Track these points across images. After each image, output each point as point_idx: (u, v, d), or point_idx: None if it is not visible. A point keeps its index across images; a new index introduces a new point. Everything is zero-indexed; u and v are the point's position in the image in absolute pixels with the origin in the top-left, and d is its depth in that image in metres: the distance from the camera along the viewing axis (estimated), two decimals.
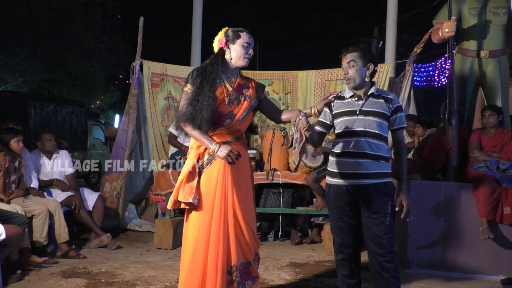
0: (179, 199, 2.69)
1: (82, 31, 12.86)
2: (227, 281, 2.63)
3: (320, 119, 2.81)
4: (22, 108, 9.95)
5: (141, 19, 5.86)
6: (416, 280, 3.75)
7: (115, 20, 13.98)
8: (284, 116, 2.90)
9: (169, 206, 2.80)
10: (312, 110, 2.81)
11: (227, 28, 2.80)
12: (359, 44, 2.71)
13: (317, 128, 2.81)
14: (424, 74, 12.39)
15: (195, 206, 2.67)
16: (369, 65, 2.67)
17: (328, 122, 2.77)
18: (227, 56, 2.75)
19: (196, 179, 2.68)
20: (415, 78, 11.00)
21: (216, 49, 2.79)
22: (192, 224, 2.70)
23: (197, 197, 2.66)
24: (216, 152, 2.61)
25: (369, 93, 2.68)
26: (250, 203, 2.83)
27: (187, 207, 2.72)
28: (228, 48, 2.74)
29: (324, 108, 2.78)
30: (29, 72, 13.42)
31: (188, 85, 2.69)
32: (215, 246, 2.61)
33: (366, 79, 2.69)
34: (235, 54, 2.73)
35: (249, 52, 2.74)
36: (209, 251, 2.61)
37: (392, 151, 2.92)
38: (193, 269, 2.63)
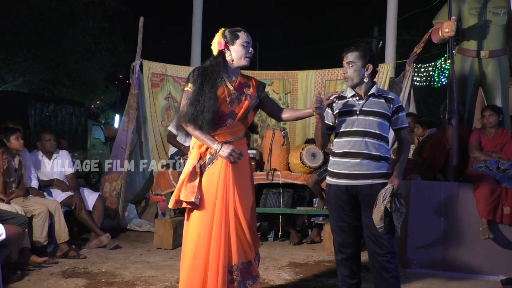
0: (181, 198, 2.69)
1: (82, 31, 12.85)
2: (228, 280, 2.63)
3: (327, 123, 2.80)
4: (22, 108, 9.96)
5: (141, 19, 5.86)
6: (416, 280, 3.75)
7: (115, 20, 13.97)
8: (285, 115, 2.90)
9: (170, 205, 2.80)
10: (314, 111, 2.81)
11: (223, 29, 2.79)
12: (360, 44, 2.72)
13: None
14: (424, 74, 12.38)
15: (196, 205, 2.67)
16: (368, 66, 2.67)
17: (331, 124, 2.77)
18: (228, 58, 2.75)
19: (198, 179, 2.68)
20: (415, 78, 11.02)
21: (215, 52, 2.78)
22: (194, 223, 2.70)
23: (199, 197, 2.67)
24: (218, 152, 2.62)
25: (369, 93, 2.68)
26: (251, 202, 2.83)
27: (188, 206, 2.71)
28: (228, 49, 2.74)
29: (327, 109, 2.77)
30: (29, 72, 13.42)
31: (189, 85, 2.69)
32: (217, 245, 2.61)
33: (365, 80, 2.68)
34: (236, 54, 2.73)
35: (249, 51, 2.75)
36: (210, 250, 2.61)
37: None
38: (195, 268, 2.63)
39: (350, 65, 2.67)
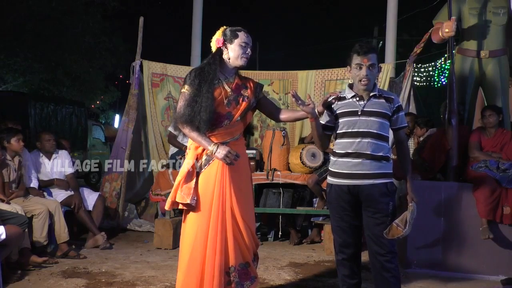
0: (176, 200, 2.69)
1: (82, 31, 12.84)
2: (226, 281, 2.63)
3: (322, 123, 2.79)
4: (22, 108, 9.95)
5: (141, 19, 5.87)
6: (416, 280, 3.75)
7: (115, 20, 13.97)
8: (283, 116, 2.90)
9: (166, 207, 2.80)
10: None
11: (224, 27, 2.79)
12: (371, 44, 2.73)
13: (324, 132, 2.81)
14: (424, 74, 12.38)
15: (193, 207, 2.67)
16: (379, 67, 2.71)
17: (332, 125, 2.76)
18: (225, 56, 2.75)
19: (194, 180, 2.67)
20: (415, 78, 11.00)
21: (213, 49, 2.79)
22: (190, 224, 2.70)
23: (195, 198, 2.66)
24: (214, 153, 2.60)
25: (371, 93, 2.67)
26: (249, 203, 2.83)
27: (185, 208, 2.71)
28: (226, 47, 2.74)
29: (326, 111, 2.77)
30: (29, 72, 13.42)
31: (186, 86, 2.69)
32: (213, 247, 2.60)
33: (376, 81, 2.71)
34: (233, 53, 2.73)
35: (247, 52, 2.74)
36: (207, 251, 2.61)
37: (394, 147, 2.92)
38: (191, 269, 2.63)
39: (372, 67, 2.62)
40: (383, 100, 2.67)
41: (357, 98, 2.69)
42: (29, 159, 4.63)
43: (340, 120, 2.70)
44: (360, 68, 2.63)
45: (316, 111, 2.74)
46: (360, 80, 2.63)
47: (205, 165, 2.71)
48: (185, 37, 8.40)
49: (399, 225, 2.57)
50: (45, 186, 4.73)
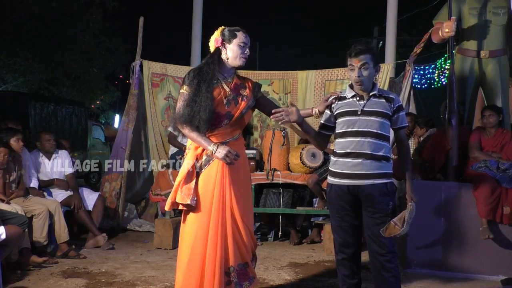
0: (176, 200, 2.68)
1: (82, 31, 12.86)
2: (225, 281, 2.63)
3: (322, 122, 2.80)
4: (22, 108, 9.96)
5: (141, 19, 5.87)
6: (416, 280, 3.75)
7: (115, 20, 13.98)
8: None
9: (166, 207, 2.80)
10: (313, 111, 2.81)
11: (223, 27, 2.79)
12: (367, 45, 2.69)
13: (322, 131, 2.81)
14: (424, 74, 12.38)
15: (193, 207, 2.66)
16: (377, 67, 2.68)
17: (331, 125, 2.76)
18: (223, 56, 2.75)
19: (194, 180, 2.67)
20: (415, 78, 11.01)
21: (212, 49, 2.79)
22: (190, 225, 2.70)
23: (195, 199, 2.66)
24: (214, 153, 2.60)
25: (371, 93, 2.67)
26: (248, 203, 2.83)
27: (185, 208, 2.71)
28: (224, 47, 2.73)
29: (326, 110, 2.77)
30: (29, 72, 13.42)
31: (185, 87, 2.68)
32: (213, 247, 2.60)
33: (375, 81, 2.69)
34: (232, 53, 2.72)
35: (245, 52, 2.74)
36: (207, 252, 2.61)
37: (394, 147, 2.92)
38: (191, 270, 2.62)
39: (365, 67, 2.60)
40: (383, 100, 2.66)
41: (357, 98, 2.68)
42: (29, 159, 4.63)
43: (340, 120, 2.70)
44: (353, 69, 2.64)
45: (317, 111, 2.75)
46: (355, 82, 2.65)
47: (205, 165, 2.70)
48: (185, 37, 8.40)
49: (397, 224, 2.57)
50: (45, 186, 4.73)
